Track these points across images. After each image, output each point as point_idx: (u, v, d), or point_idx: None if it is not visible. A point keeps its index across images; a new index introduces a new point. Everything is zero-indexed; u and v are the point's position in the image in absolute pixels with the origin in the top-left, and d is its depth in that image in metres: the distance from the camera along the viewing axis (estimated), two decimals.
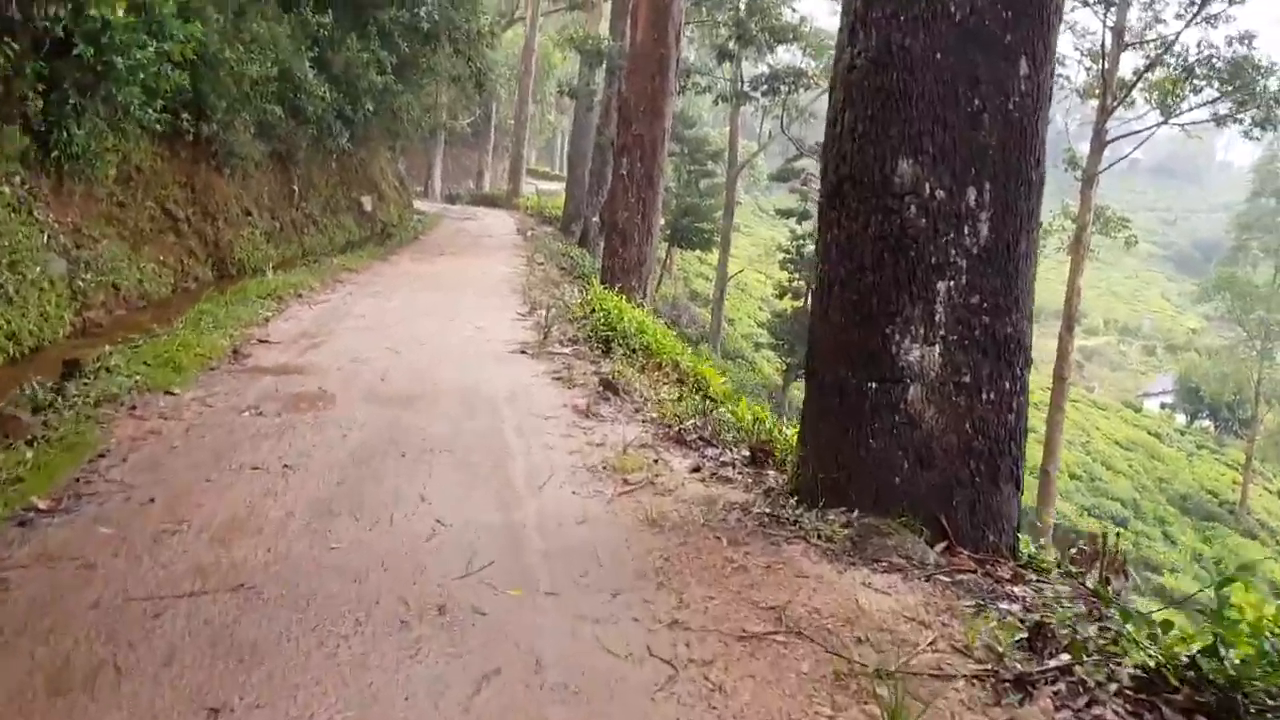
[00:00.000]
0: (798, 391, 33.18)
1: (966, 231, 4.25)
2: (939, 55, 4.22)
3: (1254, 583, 3.07)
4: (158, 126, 11.84)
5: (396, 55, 19.88)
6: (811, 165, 31.93)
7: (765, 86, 21.02)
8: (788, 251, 31.82)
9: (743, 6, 21.47)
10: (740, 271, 30.65)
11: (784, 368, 30.91)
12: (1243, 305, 51.24)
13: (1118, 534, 4.45)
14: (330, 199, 20.22)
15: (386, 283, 14.01)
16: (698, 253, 39.95)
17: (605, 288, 13.85)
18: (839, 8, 4.82)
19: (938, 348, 4.28)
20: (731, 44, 21.24)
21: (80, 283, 10.05)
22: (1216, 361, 54.15)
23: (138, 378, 6.92)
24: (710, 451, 6.02)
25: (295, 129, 17.37)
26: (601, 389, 7.63)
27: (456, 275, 15.63)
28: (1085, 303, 79.72)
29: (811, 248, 30.52)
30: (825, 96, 5.17)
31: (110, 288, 10.80)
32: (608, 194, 15.35)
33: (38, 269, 9.19)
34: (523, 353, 9.23)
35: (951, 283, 4.25)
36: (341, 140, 19.38)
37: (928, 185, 4.25)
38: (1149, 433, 52.91)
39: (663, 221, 26.90)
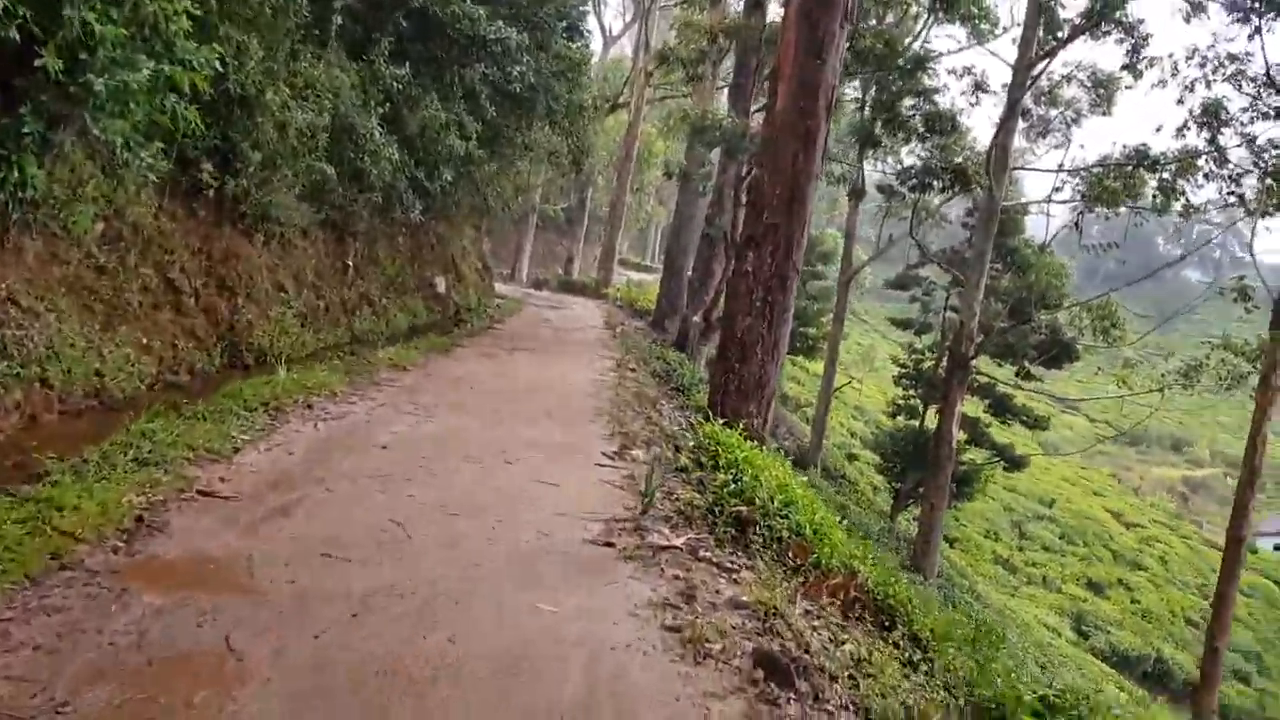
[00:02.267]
0: (907, 522, 28.78)
1: None
2: None
3: None
4: (151, 175, 8.62)
5: (483, 121, 16.79)
6: (935, 273, 28.12)
7: (914, 181, 17.35)
8: (904, 365, 27.82)
9: (897, 86, 17.87)
10: (847, 384, 26.66)
11: (893, 493, 26.66)
12: None
13: None
14: (395, 278, 17.01)
15: (437, 388, 10.50)
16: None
17: (714, 414, 10.20)
18: None
19: None
20: (878, 128, 17.73)
21: None
22: None
23: None
24: None
25: (356, 195, 14.26)
26: (762, 675, 3.80)
27: (529, 380, 12.08)
28: (1190, 431, 73.33)
29: (930, 363, 26.47)
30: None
31: (35, 383, 7.44)
32: (726, 295, 11.67)
33: None
34: (609, 544, 5.50)
35: None
36: (414, 213, 16.21)
37: None
38: (1266, 577, 46.60)
39: None
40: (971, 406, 25.07)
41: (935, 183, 17.13)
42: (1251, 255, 21.19)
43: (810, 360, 37.91)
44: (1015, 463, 25.52)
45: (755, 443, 10.09)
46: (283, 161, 11.56)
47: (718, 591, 4.69)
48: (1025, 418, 26.26)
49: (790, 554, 5.68)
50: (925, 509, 22.72)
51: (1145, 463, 67.36)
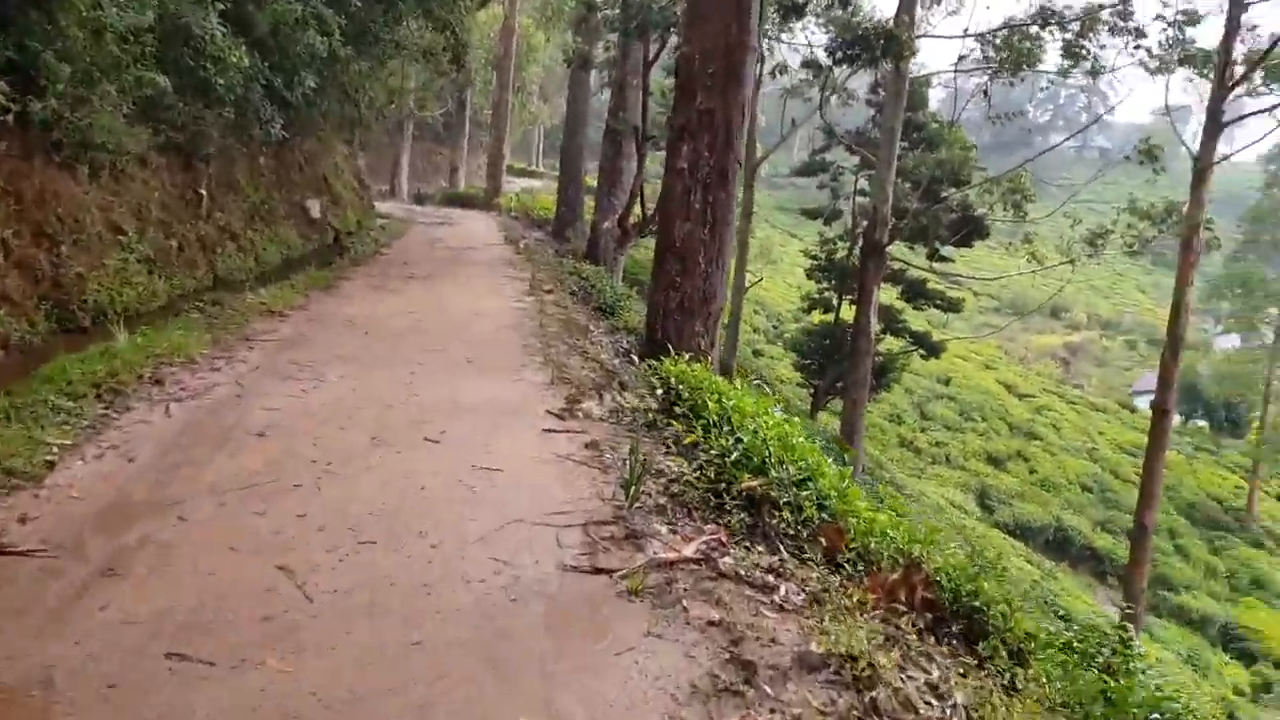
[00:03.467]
0: (829, 416, 28.16)
1: None
2: None
3: None
4: None
5: (346, 15, 14.34)
6: (841, 156, 26.79)
7: (846, 53, 15.57)
8: (815, 257, 26.62)
9: None
10: (757, 282, 25.36)
11: (812, 391, 25.80)
12: (1251, 301, 47.16)
13: None
14: (261, 205, 14.64)
15: (324, 338, 8.56)
16: None
17: (654, 337, 8.72)
18: None
19: None
20: None
21: None
22: (1224, 360, 50.07)
23: None
24: None
25: (202, 111, 11.87)
26: None
27: (435, 316, 10.22)
28: (1067, 297, 76.01)
29: (843, 253, 25.39)
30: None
31: None
32: (660, 198, 9.99)
33: None
34: (598, 571, 3.86)
35: None
36: (275, 128, 13.83)
37: None
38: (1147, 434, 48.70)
39: None
40: (884, 294, 24.24)
41: (864, 52, 15.55)
42: (1169, 115, 20.51)
43: None
44: (933, 349, 24.95)
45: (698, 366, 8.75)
46: (102, 75, 9.27)
47: (773, 640, 3.22)
48: (940, 301, 25.65)
49: (822, 540, 4.27)
50: (847, 404, 21.93)
51: (1027, 331, 69.25)
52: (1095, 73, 20.72)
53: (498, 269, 15.17)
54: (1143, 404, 58.05)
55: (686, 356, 9.04)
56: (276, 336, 8.45)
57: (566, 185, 23.71)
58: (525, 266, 15.53)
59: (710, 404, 5.47)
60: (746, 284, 24.37)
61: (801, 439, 5.08)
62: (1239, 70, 17.38)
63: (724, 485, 4.64)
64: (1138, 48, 20.62)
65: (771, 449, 4.71)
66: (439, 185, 38.88)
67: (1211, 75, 18.39)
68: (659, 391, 6.29)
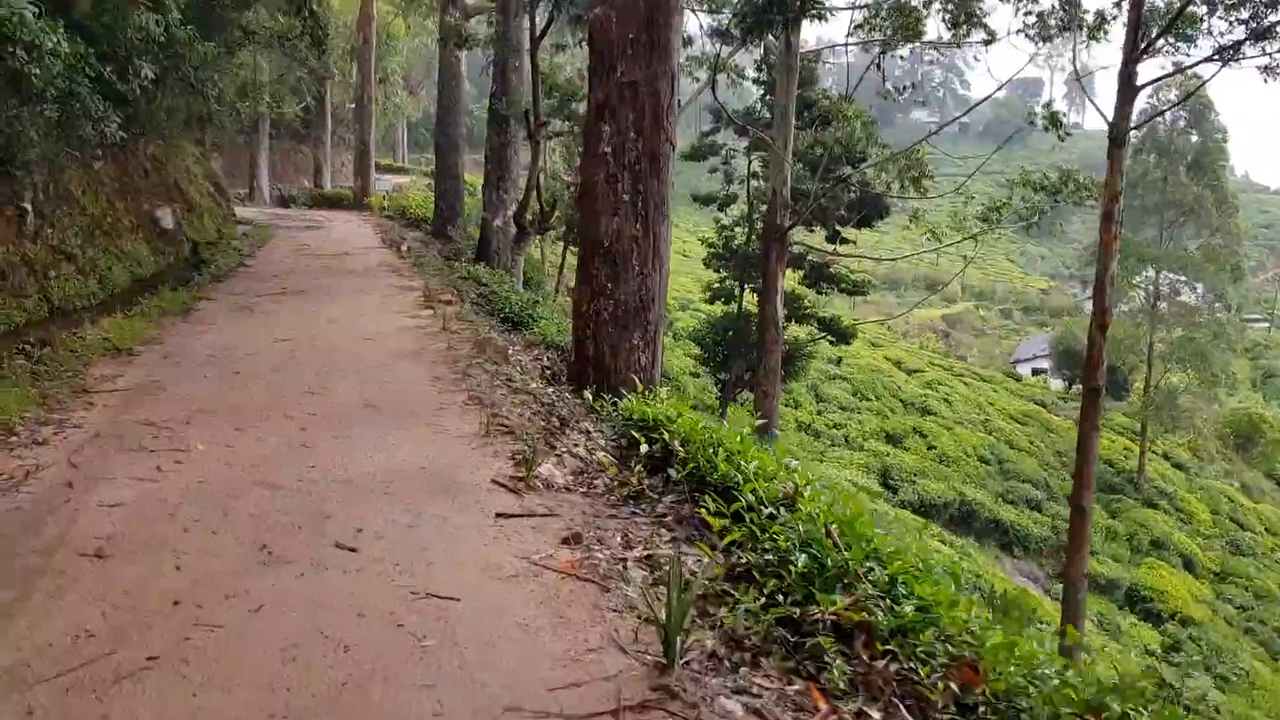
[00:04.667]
0: (738, 409, 27.46)
1: None
2: None
3: None
4: None
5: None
6: (733, 139, 26.04)
7: (758, 18, 14.40)
8: (713, 245, 25.82)
9: None
10: None
11: (719, 385, 25.02)
12: (1127, 266, 49.16)
13: None
14: (102, 218, 12.76)
15: (183, 386, 6.98)
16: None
17: (583, 353, 7.70)
18: None
19: None
20: None
21: None
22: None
23: None
24: None
25: (16, 109, 10.05)
26: None
27: (318, 346, 8.77)
28: (940, 270, 78.46)
29: (741, 239, 24.70)
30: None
31: None
32: (580, 190, 8.85)
33: None
34: None
35: None
36: (110, 127, 11.97)
37: None
38: (1035, 402, 50.41)
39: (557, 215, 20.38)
40: (787, 280, 23.70)
41: (779, 14, 14.66)
42: (1079, 80, 20.49)
43: None
44: (843, 336, 24.60)
45: (644, 389, 7.71)
46: None
47: None
48: (844, 284, 25.27)
49: (951, 684, 3.07)
50: (759, 396, 21.30)
51: (903, 306, 70.99)
52: (987, 42, 20.60)
53: (381, 277, 13.71)
54: (1025, 370, 60.33)
55: (633, 380, 8.03)
56: (123, 385, 6.92)
57: (443, 179, 22.14)
58: (413, 273, 14.13)
59: (719, 464, 4.32)
60: None
61: (867, 514, 3.98)
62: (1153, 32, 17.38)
63: (791, 603, 3.25)
64: (1029, 13, 20.65)
65: (837, 536, 3.58)
66: (302, 186, 36.47)
67: (1108, 39, 18.44)
68: (641, 446, 5.02)
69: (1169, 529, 36.83)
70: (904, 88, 21.89)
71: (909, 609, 3.21)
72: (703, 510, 4.02)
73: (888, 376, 47.04)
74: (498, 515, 4.28)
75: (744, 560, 3.56)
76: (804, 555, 3.37)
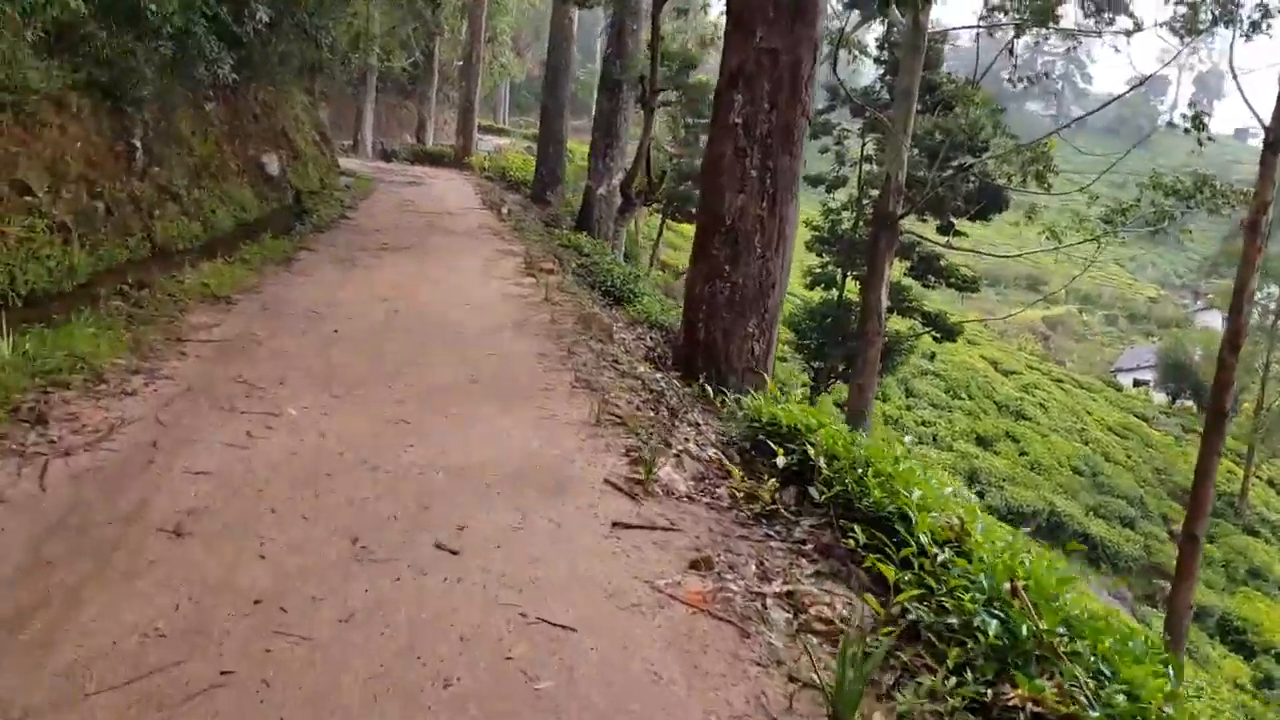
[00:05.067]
0: (829, 400, 26.69)
1: None
2: None
3: None
4: None
5: None
6: (846, 120, 25.05)
7: None
8: (817, 229, 24.95)
9: None
10: None
11: (812, 374, 24.23)
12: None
13: None
14: (210, 160, 12.69)
15: (280, 341, 6.68)
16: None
17: (694, 337, 7.16)
18: None
19: None
20: None
21: None
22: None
23: None
24: None
25: (132, 44, 9.92)
26: None
27: (421, 305, 8.42)
28: (1043, 268, 75.51)
29: (848, 225, 23.79)
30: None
31: None
32: (704, 163, 8.26)
33: None
34: None
35: None
36: (224, 69, 11.85)
37: None
38: (1135, 415, 48.12)
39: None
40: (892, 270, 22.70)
41: None
42: (1234, 75, 19.01)
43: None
44: (949, 332, 23.51)
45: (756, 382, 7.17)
46: None
47: None
48: (953, 279, 24.14)
49: None
50: (854, 390, 20.45)
51: (1004, 304, 68.45)
52: (1132, 31, 19.27)
53: (483, 240, 13.37)
54: (1126, 381, 57.66)
55: (758, 374, 7.50)
56: (219, 335, 6.64)
57: (547, 143, 21.76)
58: (513, 237, 13.75)
59: (871, 488, 3.71)
60: None
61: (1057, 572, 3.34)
62: None
63: (981, 682, 2.67)
64: (1180, 3, 19.22)
65: (1028, 598, 2.98)
66: (404, 141, 36.56)
67: (1269, 34, 16.99)
68: (779, 457, 4.40)
69: (1269, 559, 34.82)
70: (1030, 78, 20.59)
71: (1119, 699, 2.62)
72: (851, 541, 3.46)
73: (983, 376, 45.42)
74: (615, 525, 3.79)
75: (912, 616, 2.98)
76: (994, 621, 2.78)
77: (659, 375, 6.89)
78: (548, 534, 3.70)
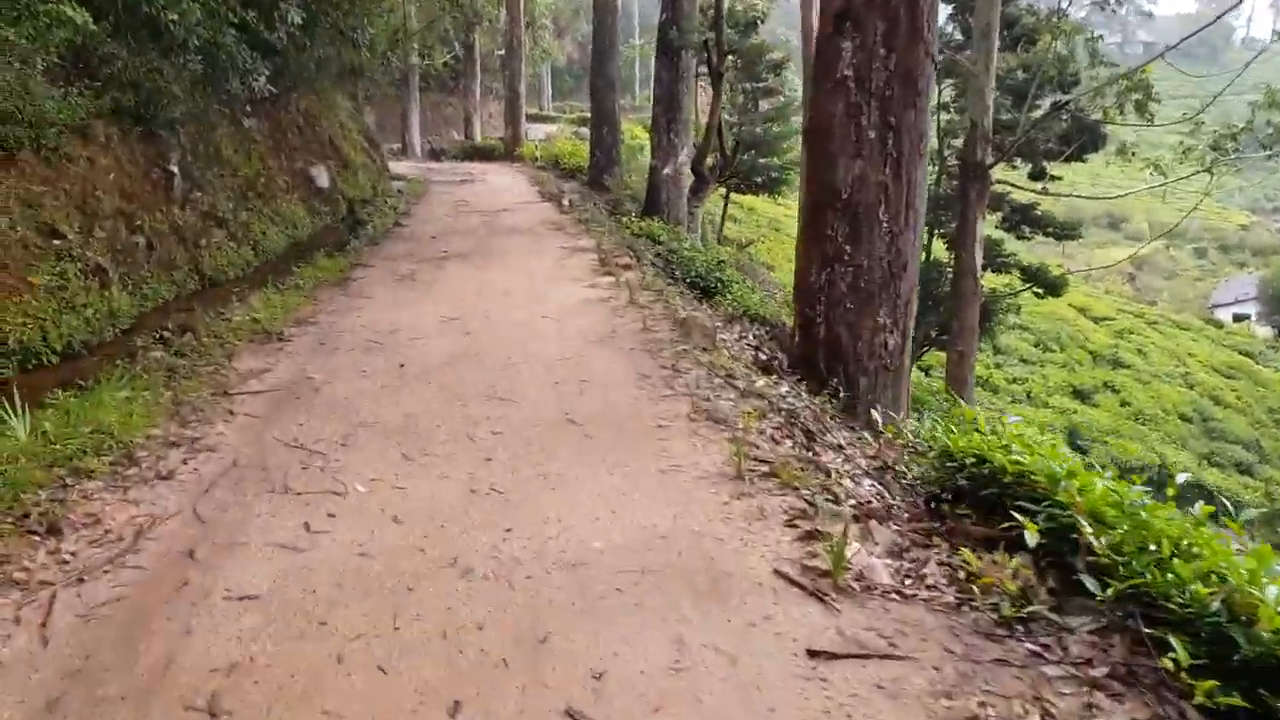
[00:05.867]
0: (918, 375, 25.28)
1: None
2: None
3: None
4: None
5: None
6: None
7: None
8: None
9: None
10: None
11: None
12: None
13: None
14: (255, 178, 11.91)
15: (339, 385, 5.72)
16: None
17: (809, 335, 6.11)
18: None
19: None
20: None
21: None
22: None
23: None
24: None
25: (156, 62, 9.10)
26: None
27: (490, 327, 7.42)
28: (1124, 206, 72.04)
29: (930, 179, 22.20)
30: None
31: None
32: (809, 123, 7.06)
33: None
34: None
35: None
36: (259, 81, 11.04)
37: None
38: (1240, 352, 45.30)
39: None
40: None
41: None
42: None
43: (773, 198, 32.84)
44: (1052, 287, 21.84)
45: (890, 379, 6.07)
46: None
47: None
48: (1050, 228, 22.42)
49: None
50: (953, 356, 19.01)
51: (1085, 245, 65.40)
52: None
53: (547, 236, 12.36)
54: (1225, 317, 54.58)
55: (871, 368, 6.37)
56: (270, 383, 5.72)
57: (599, 125, 20.65)
58: (579, 230, 12.71)
59: (1185, 577, 2.54)
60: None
61: None
62: None
63: None
64: None
65: None
66: (452, 138, 35.81)
67: None
68: (1027, 533, 3.04)
69: None
70: (1100, 3, 18.85)
71: None
72: (1168, 662, 2.35)
73: (1073, 325, 43.11)
74: (811, 654, 2.69)
75: None
76: None
77: (784, 389, 5.79)
78: (722, 679, 2.60)
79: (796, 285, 7.05)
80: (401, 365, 6.09)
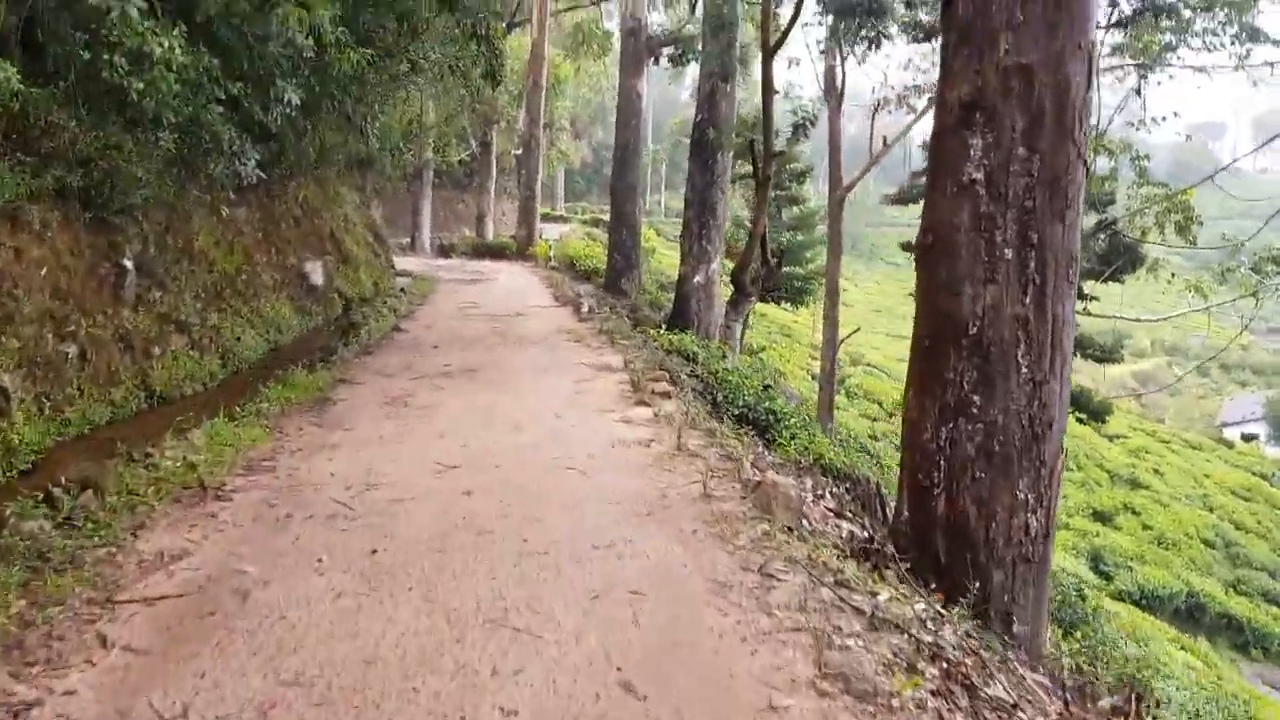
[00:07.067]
0: None
1: None
2: None
3: None
4: None
5: (340, 5, 9.96)
6: None
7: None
8: None
9: None
10: (856, 331, 20.42)
11: None
12: None
13: None
14: (234, 275, 10.27)
15: (276, 592, 3.79)
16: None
17: (926, 513, 4.46)
18: None
19: None
20: None
21: None
22: None
23: None
24: None
25: (116, 138, 7.50)
26: None
27: (503, 486, 5.48)
28: (1126, 323, 70.95)
29: None
30: None
31: None
32: (929, 235, 5.26)
33: None
34: None
35: None
36: (247, 165, 9.44)
37: None
38: (1252, 473, 43.36)
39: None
40: None
41: None
42: None
43: (797, 309, 31.28)
44: (1097, 414, 20.14)
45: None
46: None
47: None
48: (1093, 350, 20.84)
49: None
50: None
51: (1089, 358, 64.03)
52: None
53: (566, 350, 10.62)
54: (1233, 434, 52.77)
55: (1008, 558, 4.57)
56: (180, 583, 3.80)
57: (618, 228, 19.29)
58: (601, 343, 11.01)
59: None
60: (840, 338, 19.74)
61: None
62: None
63: None
64: None
65: None
66: (462, 234, 34.55)
67: None
68: None
69: None
70: (1167, 116, 17.77)
71: None
72: None
73: (1088, 444, 41.26)
74: None
75: None
76: None
77: (921, 607, 3.92)
78: None
79: (905, 442, 5.26)
80: (373, 552, 4.20)
